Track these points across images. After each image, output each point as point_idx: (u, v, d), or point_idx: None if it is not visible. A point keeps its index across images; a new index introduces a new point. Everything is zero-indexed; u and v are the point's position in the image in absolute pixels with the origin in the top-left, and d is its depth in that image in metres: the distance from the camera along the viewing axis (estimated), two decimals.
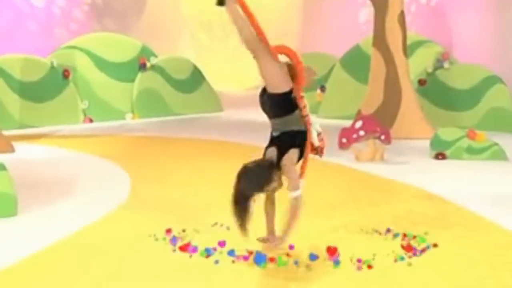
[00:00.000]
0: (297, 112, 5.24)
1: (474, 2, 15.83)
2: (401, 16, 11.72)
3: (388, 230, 5.84)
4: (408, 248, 5.34)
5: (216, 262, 5.12)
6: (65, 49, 14.51)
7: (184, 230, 5.79)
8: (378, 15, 11.81)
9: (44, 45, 15.05)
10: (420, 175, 8.46)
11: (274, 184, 5.18)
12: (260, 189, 5.07)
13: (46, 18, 16.08)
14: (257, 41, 5.18)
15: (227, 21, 5.28)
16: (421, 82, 13.20)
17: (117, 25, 17.31)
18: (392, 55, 11.63)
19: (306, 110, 5.25)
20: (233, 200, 4.98)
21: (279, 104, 5.23)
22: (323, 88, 14.60)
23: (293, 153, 5.19)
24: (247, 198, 4.96)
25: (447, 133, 9.73)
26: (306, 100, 5.30)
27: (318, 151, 5.41)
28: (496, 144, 9.57)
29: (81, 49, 14.50)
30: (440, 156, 9.56)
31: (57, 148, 10.82)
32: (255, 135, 11.02)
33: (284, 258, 5.13)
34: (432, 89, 13.09)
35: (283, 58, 5.29)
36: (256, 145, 10.01)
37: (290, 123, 5.23)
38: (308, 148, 5.28)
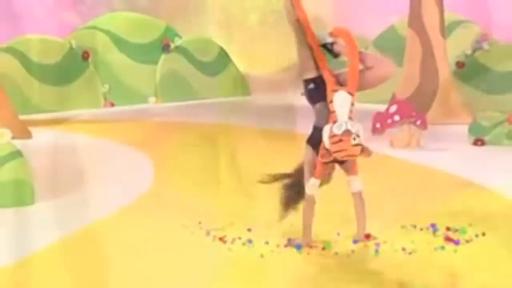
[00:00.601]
0: (319, 105, 5.16)
1: None
2: None
3: (432, 226, 5.64)
4: (449, 240, 5.29)
5: (262, 255, 5.01)
6: (85, 30, 14.32)
7: (231, 225, 5.70)
8: None
9: (51, 28, 14.79)
10: (458, 162, 8.44)
11: None
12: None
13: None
14: (292, 18, 5.24)
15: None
16: (459, 65, 12.97)
17: (134, 5, 17.05)
18: (428, 36, 11.50)
19: (332, 106, 5.06)
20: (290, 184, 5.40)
21: (304, 92, 5.27)
22: None
23: (307, 150, 5.22)
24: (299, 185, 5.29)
25: (486, 118, 9.63)
26: (339, 96, 5.06)
27: (325, 154, 5.07)
28: None
29: (101, 30, 14.28)
30: (479, 142, 9.48)
31: (76, 133, 10.80)
32: (284, 120, 11.06)
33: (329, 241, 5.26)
34: (471, 71, 12.85)
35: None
36: (284, 131, 10.11)
37: (322, 117, 5.13)
38: (321, 149, 5.10)
